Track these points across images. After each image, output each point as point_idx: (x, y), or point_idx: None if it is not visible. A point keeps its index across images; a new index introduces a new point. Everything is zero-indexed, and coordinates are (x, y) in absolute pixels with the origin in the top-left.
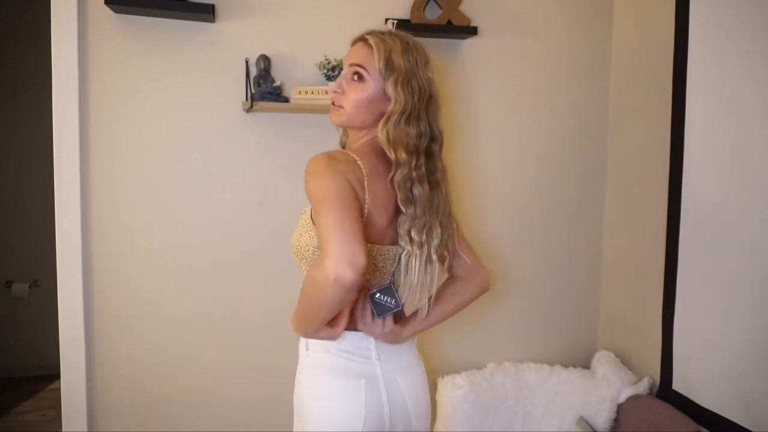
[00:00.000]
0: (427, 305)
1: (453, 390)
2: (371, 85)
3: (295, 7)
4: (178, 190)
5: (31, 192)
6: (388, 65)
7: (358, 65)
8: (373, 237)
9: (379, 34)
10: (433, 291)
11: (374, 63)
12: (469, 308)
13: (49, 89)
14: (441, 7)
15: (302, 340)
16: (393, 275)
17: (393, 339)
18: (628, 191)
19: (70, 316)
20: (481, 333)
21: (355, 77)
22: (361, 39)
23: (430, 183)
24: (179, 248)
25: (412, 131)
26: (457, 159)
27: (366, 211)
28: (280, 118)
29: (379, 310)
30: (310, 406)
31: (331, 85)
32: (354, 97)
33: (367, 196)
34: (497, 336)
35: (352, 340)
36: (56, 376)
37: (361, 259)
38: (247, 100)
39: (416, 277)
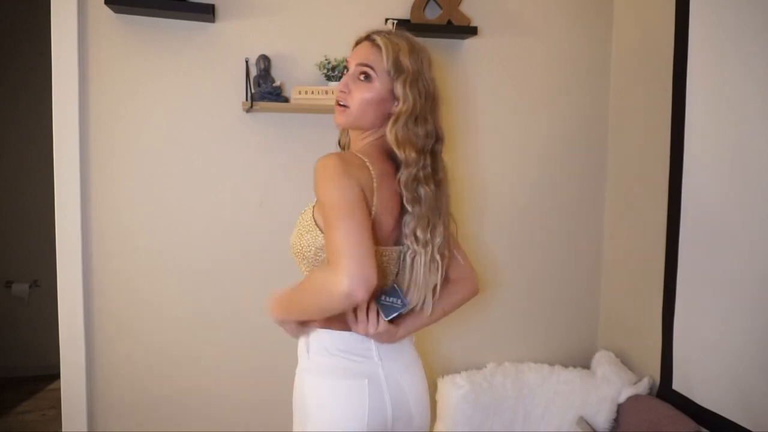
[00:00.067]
0: (431, 303)
1: (453, 390)
2: (378, 86)
3: (295, 7)
4: (178, 190)
5: (31, 192)
6: (397, 66)
7: (366, 65)
8: (378, 239)
9: (386, 34)
10: (438, 289)
11: (382, 63)
12: (469, 308)
13: (49, 89)
14: (441, 7)
15: (302, 342)
16: (396, 275)
17: (388, 338)
18: (628, 191)
19: (70, 316)
20: (481, 333)
21: (362, 77)
22: (368, 38)
23: (435, 182)
24: (179, 248)
25: (420, 131)
26: (457, 159)
27: (373, 216)
28: (280, 118)
29: (387, 312)
30: (312, 407)
31: (332, 85)
32: (361, 96)
33: (375, 201)
34: (497, 336)
35: (353, 340)
36: (56, 376)
37: (374, 280)
38: (247, 100)
39: (421, 276)
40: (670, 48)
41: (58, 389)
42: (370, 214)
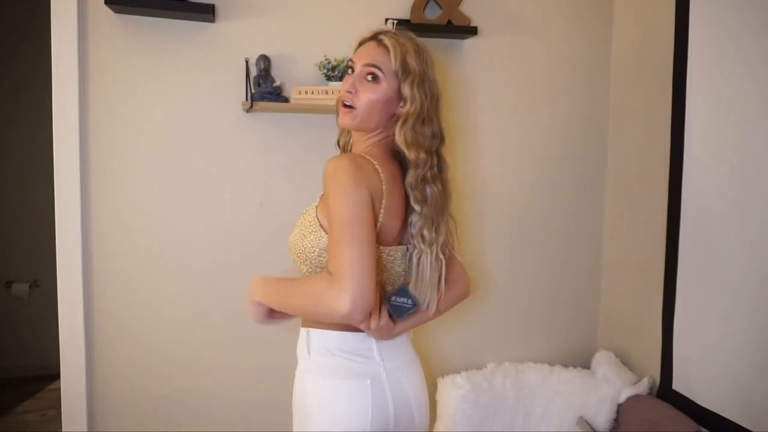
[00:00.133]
0: (435, 302)
1: (453, 390)
2: (385, 86)
3: (295, 7)
4: (178, 190)
5: (31, 192)
6: (404, 67)
7: (374, 65)
8: (384, 240)
9: (392, 35)
10: (443, 287)
11: (390, 64)
12: (469, 308)
13: (49, 89)
14: (441, 7)
15: (303, 343)
16: (403, 275)
17: (387, 334)
18: (628, 191)
19: (70, 316)
20: (481, 333)
21: (369, 77)
22: (374, 39)
23: (441, 181)
24: (179, 248)
25: (427, 132)
26: (457, 159)
27: (381, 219)
28: (280, 118)
29: (398, 312)
30: (314, 407)
31: (332, 85)
32: (368, 97)
33: (384, 204)
34: (497, 336)
35: (354, 340)
36: (56, 376)
37: (372, 303)
38: (247, 100)
39: (428, 275)
40: (670, 48)
41: (58, 389)
42: (377, 220)
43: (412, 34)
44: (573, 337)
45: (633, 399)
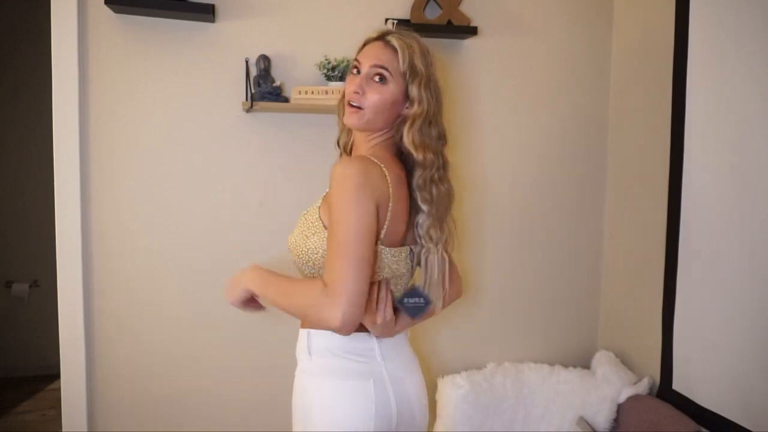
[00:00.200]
0: (442, 299)
1: (453, 390)
2: (392, 87)
3: (295, 7)
4: (178, 190)
5: (31, 192)
6: (412, 68)
7: (381, 66)
8: (389, 242)
9: (399, 36)
10: (447, 285)
11: (397, 65)
12: (469, 308)
13: (49, 89)
14: (441, 7)
15: (303, 344)
16: (407, 275)
17: (388, 331)
18: (628, 191)
19: (70, 316)
20: (481, 333)
21: (377, 78)
22: (381, 39)
23: (446, 181)
24: (179, 248)
25: (434, 133)
26: (457, 159)
27: (386, 226)
28: (280, 118)
29: (414, 312)
30: (316, 408)
31: (332, 85)
32: (376, 98)
33: (390, 207)
34: (497, 336)
35: (355, 341)
36: (56, 376)
37: (361, 318)
38: (247, 100)
39: (436, 273)
40: (670, 48)
41: (58, 389)
42: (383, 225)
43: (416, 35)
44: (573, 337)
45: (633, 399)
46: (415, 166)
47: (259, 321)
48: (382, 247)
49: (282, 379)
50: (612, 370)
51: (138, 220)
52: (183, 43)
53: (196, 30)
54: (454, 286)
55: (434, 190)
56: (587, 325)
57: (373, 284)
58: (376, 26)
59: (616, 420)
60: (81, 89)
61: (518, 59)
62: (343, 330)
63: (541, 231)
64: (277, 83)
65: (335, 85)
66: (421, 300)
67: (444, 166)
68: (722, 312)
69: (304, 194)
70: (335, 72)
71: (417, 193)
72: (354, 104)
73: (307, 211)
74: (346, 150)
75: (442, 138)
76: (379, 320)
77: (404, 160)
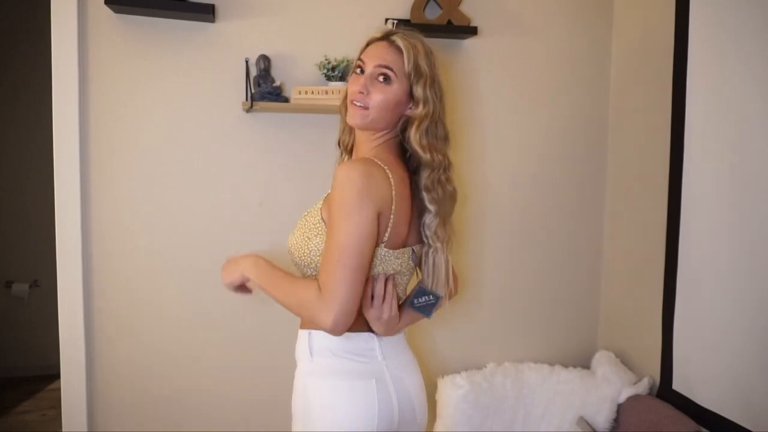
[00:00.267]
0: (447, 297)
1: (453, 390)
2: (396, 87)
3: (295, 7)
4: (178, 190)
5: (31, 192)
6: (417, 69)
7: (386, 67)
8: (392, 244)
9: (403, 36)
10: (452, 283)
11: (402, 65)
12: (469, 308)
13: (49, 89)
14: (441, 7)
15: (304, 345)
16: (408, 276)
17: (391, 328)
18: (628, 191)
19: (70, 316)
20: (481, 333)
21: (381, 78)
22: (385, 39)
23: (450, 181)
24: (179, 248)
25: (440, 133)
26: (458, 159)
27: (389, 224)
28: (280, 118)
29: (427, 311)
30: (319, 408)
31: (332, 85)
32: (380, 98)
33: (392, 211)
34: (497, 336)
35: (357, 341)
36: (56, 376)
37: (351, 322)
38: (247, 100)
39: (443, 272)
40: (670, 48)
41: (58, 389)
42: (386, 228)
43: (420, 35)
44: (573, 337)
45: (633, 399)
46: (423, 167)
47: (259, 321)
48: (385, 249)
49: (282, 379)
50: (612, 370)
51: (138, 220)
52: (183, 43)
53: (196, 30)
54: (455, 283)
55: (441, 191)
56: (587, 325)
57: (377, 280)
58: (376, 26)
59: (616, 420)
60: (81, 89)
61: (518, 59)
62: (334, 332)
63: (541, 231)
64: (277, 83)
65: (335, 85)
66: (430, 297)
67: (449, 166)
68: (722, 312)
69: (304, 194)
70: (335, 72)
71: (425, 194)
72: (358, 104)
73: (308, 212)
74: (348, 150)
75: (447, 139)
76: (385, 315)
77: (406, 161)
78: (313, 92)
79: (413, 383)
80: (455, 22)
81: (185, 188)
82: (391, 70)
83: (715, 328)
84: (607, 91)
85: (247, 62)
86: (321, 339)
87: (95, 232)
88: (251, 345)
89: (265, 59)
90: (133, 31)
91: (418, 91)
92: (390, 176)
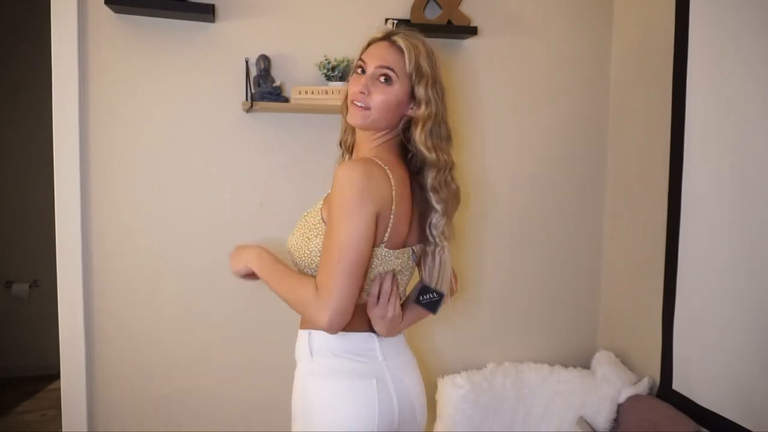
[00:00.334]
0: (449, 294)
1: (453, 390)
2: (398, 88)
3: (295, 7)
4: (178, 190)
5: (31, 192)
6: (418, 69)
7: (387, 67)
8: (393, 245)
9: (404, 36)
10: (454, 280)
11: (403, 66)
12: (469, 308)
13: (49, 89)
14: (441, 7)
15: (304, 345)
16: (408, 275)
17: (393, 327)
18: (628, 191)
19: (70, 316)
20: (481, 333)
21: (382, 78)
22: (386, 39)
23: (453, 180)
24: (179, 248)
25: (444, 133)
26: (458, 159)
27: (388, 232)
28: (280, 118)
29: (433, 308)
30: (320, 409)
31: (332, 85)
32: (381, 99)
33: (392, 212)
34: (497, 336)
35: (357, 341)
36: (56, 376)
37: (347, 322)
38: (247, 100)
39: (448, 270)
40: (670, 48)
41: (58, 389)
42: (387, 228)
43: (421, 35)
44: (573, 337)
45: (633, 399)
46: (429, 167)
47: (259, 321)
48: (386, 249)
49: (282, 379)
50: (612, 370)
51: (138, 220)
52: (183, 43)
53: (196, 30)
54: (455, 281)
55: (446, 191)
56: (587, 325)
57: (384, 278)
58: (376, 26)
59: (616, 420)
60: (81, 89)
61: (518, 59)
62: (330, 330)
63: (541, 231)
64: (277, 83)
65: (335, 85)
66: (435, 295)
67: (453, 166)
68: (722, 312)
69: (304, 194)
70: (335, 72)
71: (432, 194)
72: (359, 104)
73: (308, 213)
74: (349, 150)
75: (450, 138)
76: (389, 314)
77: (407, 161)
78: (313, 92)
79: (413, 383)
80: (455, 22)
81: (185, 188)
82: (392, 70)
83: (715, 328)
84: (607, 91)
85: (247, 62)
86: (321, 339)
87: (95, 232)
88: (251, 345)
89: (265, 59)
90: (133, 31)
91: (420, 91)
92: (390, 176)
